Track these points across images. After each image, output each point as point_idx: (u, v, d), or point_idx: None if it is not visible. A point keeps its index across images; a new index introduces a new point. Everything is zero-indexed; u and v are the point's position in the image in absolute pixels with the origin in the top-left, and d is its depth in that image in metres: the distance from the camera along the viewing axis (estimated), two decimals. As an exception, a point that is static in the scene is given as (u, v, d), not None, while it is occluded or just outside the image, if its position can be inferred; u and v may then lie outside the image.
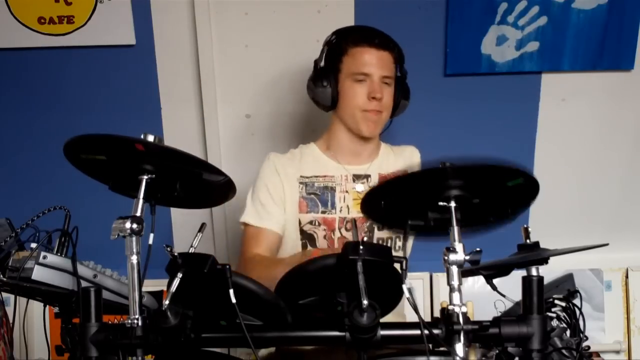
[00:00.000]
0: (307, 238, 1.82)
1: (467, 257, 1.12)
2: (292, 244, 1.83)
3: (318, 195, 1.83)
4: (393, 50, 1.80)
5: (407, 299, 1.13)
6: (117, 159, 1.17)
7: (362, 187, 1.84)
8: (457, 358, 1.10)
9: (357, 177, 1.86)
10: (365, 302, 1.10)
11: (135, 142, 1.11)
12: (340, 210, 1.83)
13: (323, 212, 1.82)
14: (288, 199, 1.82)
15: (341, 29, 1.84)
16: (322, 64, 1.84)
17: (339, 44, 1.81)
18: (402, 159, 1.93)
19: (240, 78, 2.29)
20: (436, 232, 1.21)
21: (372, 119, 1.80)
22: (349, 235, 1.81)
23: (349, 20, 2.18)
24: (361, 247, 1.13)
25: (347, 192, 1.84)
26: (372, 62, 1.77)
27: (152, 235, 1.15)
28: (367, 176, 1.87)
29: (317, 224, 1.82)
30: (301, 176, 1.84)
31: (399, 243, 1.86)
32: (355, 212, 1.82)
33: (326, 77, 1.81)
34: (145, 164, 1.16)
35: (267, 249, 1.77)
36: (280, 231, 1.80)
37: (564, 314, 1.34)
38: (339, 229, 1.82)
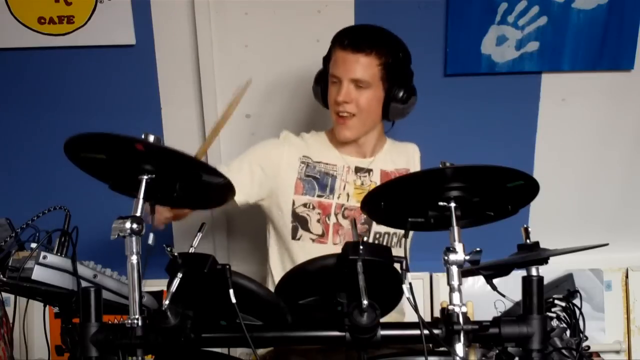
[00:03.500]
0: (299, 221, 1.82)
1: (467, 257, 1.12)
2: (284, 224, 1.83)
3: (317, 178, 1.84)
4: (373, 51, 1.73)
5: (408, 298, 1.13)
6: (117, 159, 1.17)
7: (364, 182, 1.85)
8: (457, 358, 1.10)
9: (359, 170, 1.87)
10: (365, 302, 1.10)
11: (135, 142, 1.11)
12: (339, 197, 1.83)
13: (319, 196, 1.82)
14: (283, 178, 1.83)
15: (344, 28, 1.82)
16: (328, 63, 1.84)
17: (331, 45, 1.81)
18: (405, 156, 1.94)
19: (240, 78, 2.29)
20: (436, 228, 1.21)
21: (342, 125, 1.80)
22: (345, 223, 1.82)
23: (349, 20, 2.18)
24: (361, 247, 1.13)
25: (347, 182, 1.85)
26: (341, 64, 1.75)
27: (151, 235, 1.15)
28: (369, 170, 1.88)
29: (311, 207, 1.82)
30: (304, 155, 1.85)
31: (395, 240, 1.86)
32: (355, 201, 1.83)
33: (323, 76, 1.84)
34: (145, 164, 1.16)
35: None
36: (238, 200, 1.79)
37: (564, 314, 1.35)
38: (336, 214, 1.82)
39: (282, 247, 1.86)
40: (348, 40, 1.74)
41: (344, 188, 1.84)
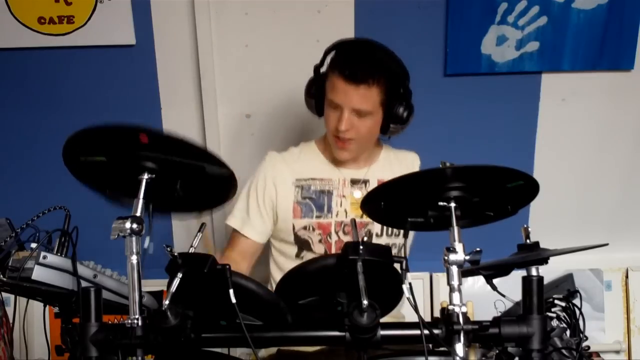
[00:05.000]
0: (301, 243, 1.82)
1: (467, 257, 1.12)
2: (288, 249, 1.84)
3: (314, 199, 1.82)
4: (374, 82, 1.67)
5: (408, 298, 1.13)
6: (117, 156, 1.17)
7: (359, 194, 1.83)
8: (457, 358, 1.10)
9: (354, 182, 1.85)
10: (365, 302, 1.10)
11: (140, 131, 1.11)
12: (337, 215, 1.82)
13: (318, 217, 1.81)
14: (281, 205, 1.82)
15: (339, 44, 1.74)
16: (319, 72, 1.79)
17: (330, 62, 1.75)
18: (404, 165, 1.91)
19: (240, 78, 2.29)
20: (436, 228, 1.21)
21: (341, 148, 1.77)
22: (347, 239, 1.81)
23: (349, 20, 2.18)
24: (361, 247, 1.13)
25: (344, 196, 1.83)
26: (342, 94, 1.69)
27: (147, 238, 1.14)
28: (366, 181, 1.86)
29: (311, 229, 1.81)
30: (297, 179, 1.83)
31: (395, 250, 1.85)
32: (354, 216, 1.82)
33: (318, 88, 1.78)
34: (147, 161, 1.16)
35: (241, 254, 1.83)
36: (260, 240, 1.83)
37: (564, 314, 1.34)
38: (336, 232, 1.82)
39: (286, 265, 1.84)
40: (348, 70, 1.67)
41: (341, 205, 1.83)
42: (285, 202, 1.82)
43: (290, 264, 1.82)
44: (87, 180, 1.25)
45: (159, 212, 1.26)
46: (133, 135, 1.12)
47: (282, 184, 1.83)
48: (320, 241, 1.81)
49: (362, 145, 1.80)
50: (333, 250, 1.81)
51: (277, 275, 1.89)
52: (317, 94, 1.79)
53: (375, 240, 1.83)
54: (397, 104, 1.74)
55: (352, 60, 1.70)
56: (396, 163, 1.91)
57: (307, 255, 1.82)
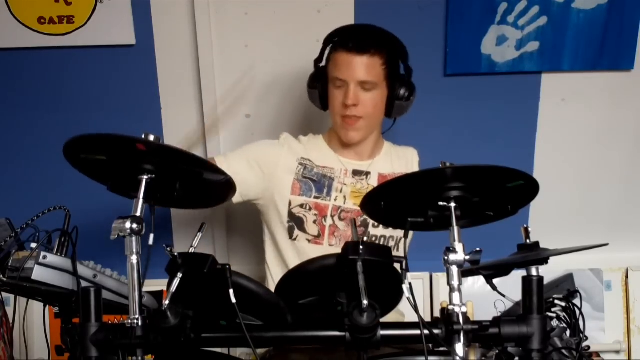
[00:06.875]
0: (295, 221, 1.82)
1: (467, 257, 1.12)
2: (281, 224, 1.84)
3: (315, 180, 1.84)
4: (377, 52, 1.74)
5: (408, 298, 1.13)
6: (117, 159, 1.17)
7: (360, 185, 1.85)
8: (457, 358, 1.10)
9: (356, 173, 1.87)
10: (365, 302, 1.10)
11: (136, 141, 1.11)
12: (336, 199, 1.83)
13: (316, 198, 1.82)
14: (280, 176, 1.83)
15: (337, 29, 1.82)
16: (319, 64, 1.85)
17: (331, 47, 1.81)
18: (404, 161, 1.94)
19: (240, 78, 2.29)
20: (436, 228, 1.21)
21: (349, 127, 1.80)
22: (341, 225, 1.82)
23: (349, 20, 2.18)
24: (361, 247, 1.13)
25: (345, 184, 1.85)
26: (346, 67, 1.74)
27: (152, 235, 1.15)
28: (367, 173, 1.88)
29: (308, 208, 1.82)
30: (302, 157, 1.86)
31: (392, 243, 1.86)
32: (352, 204, 1.83)
33: (318, 79, 1.84)
34: (146, 164, 1.16)
35: None
36: (233, 198, 1.79)
37: (564, 314, 1.35)
38: (332, 216, 1.82)
39: (279, 247, 1.86)
40: (352, 42, 1.73)
41: (341, 190, 1.84)
42: (285, 176, 1.83)
43: (285, 247, 1.84)
44: (88, 174, 1.25)
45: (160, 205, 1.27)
46: (130, 144, 1.13)
47: (286, 158, 1.85)
48: (315, 222, 1.82)
49: (370, 125, 1.82)
50: (326, 234, 1.82)
51: (272, 262, 1.90)
52: (319, 84, 1.83)
53: (371, 231, 1.83)
54: (400, 80, 1.81)
55: (354, 34, 1.77)
56: (396, 158, 1.94)
57: (300, 236, 1.82)
